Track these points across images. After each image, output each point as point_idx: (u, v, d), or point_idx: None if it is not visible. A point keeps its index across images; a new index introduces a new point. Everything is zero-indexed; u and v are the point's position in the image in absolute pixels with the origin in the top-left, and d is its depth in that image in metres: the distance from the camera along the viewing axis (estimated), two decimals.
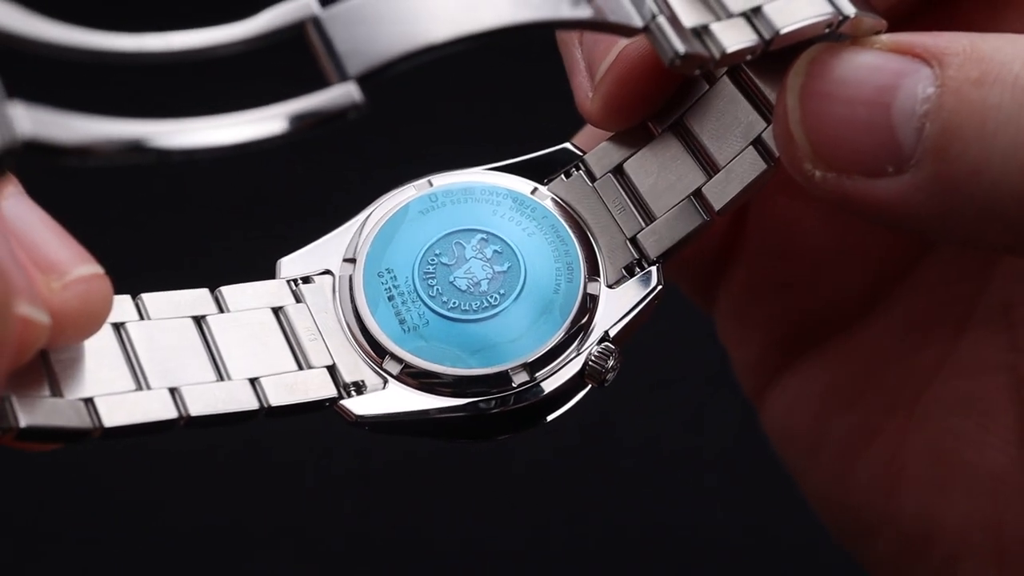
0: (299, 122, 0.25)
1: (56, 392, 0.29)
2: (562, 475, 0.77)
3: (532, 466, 0.77)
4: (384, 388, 0.32)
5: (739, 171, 0.33)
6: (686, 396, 0.78)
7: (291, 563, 0.74)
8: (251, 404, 0.31)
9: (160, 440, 0.31)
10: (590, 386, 0.33)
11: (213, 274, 0.34)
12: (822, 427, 0.38)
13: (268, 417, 0.31)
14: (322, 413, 0.32)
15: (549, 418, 0.33)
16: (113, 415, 0.29)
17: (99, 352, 0.30)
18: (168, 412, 0.30)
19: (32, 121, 0.23)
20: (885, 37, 0.30)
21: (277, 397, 0.31)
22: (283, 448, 0.76)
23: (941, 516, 0.35)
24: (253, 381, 0.31)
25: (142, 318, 0.31)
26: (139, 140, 0.23)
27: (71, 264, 0.28)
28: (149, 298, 0.32)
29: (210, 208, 0.82)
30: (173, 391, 0.30)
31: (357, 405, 0.32)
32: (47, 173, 0.27)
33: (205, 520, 0.75)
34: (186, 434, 0.31)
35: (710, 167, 0.33)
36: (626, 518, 0.75)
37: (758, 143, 0.33)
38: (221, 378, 0.31)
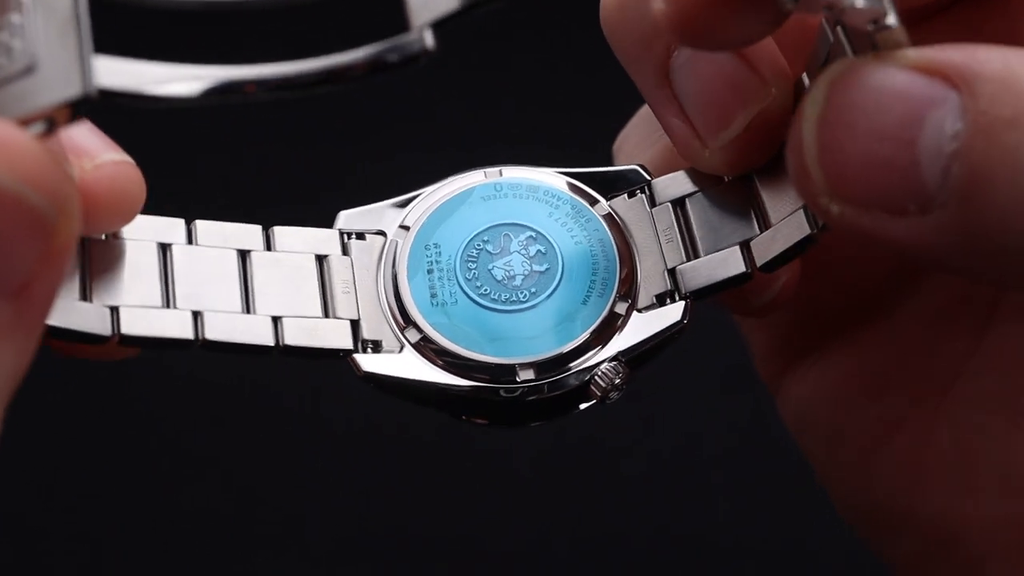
0: (373, 60, 0.26)
1: (85, 297, 0.31)
2: (565, 476, 0.78)
3: (534, 465, 0.77)
4: (399, 353, 0.34)
5: (785, 232, 0.33)
6: (690, 398, 0.78)
7: (290, 563, 0.75)
8: (267, 340, 0.32)
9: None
10: (594, 401, 0.34)
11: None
12: (842, 418, 0.36)
13: (282, 356, 0.32)
14: (333, 368, 0.33)
15: (547, 420, 0.35)
16: (133, 325, 0.31)
17: (138, 268, 0.32)
18: (185, 332, 0.31)
19: (110, 71, 0.24)
20: (912, 52, 0.28)
21: (294, 338, 0.32)
22: (284, 447, 0.78)
23: (967, 515, 0.34)
24: (276, 319, 0.33)
25: (190, 243, 0.33)
26: (223, 81, 0.24)
27: (102, 151, 0.30)
28: (202, 225, 0.33)
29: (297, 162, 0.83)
30: (196, 314, 0.32)
31: (368, 362, 0.33)
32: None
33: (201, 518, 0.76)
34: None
35: (764, 222, 0.34)
36: (629, 520, 0.76)
37: (808, 207, 0.33)
38: (247, 311, 0.32)
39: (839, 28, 0.30)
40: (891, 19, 0.28)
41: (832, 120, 0.28)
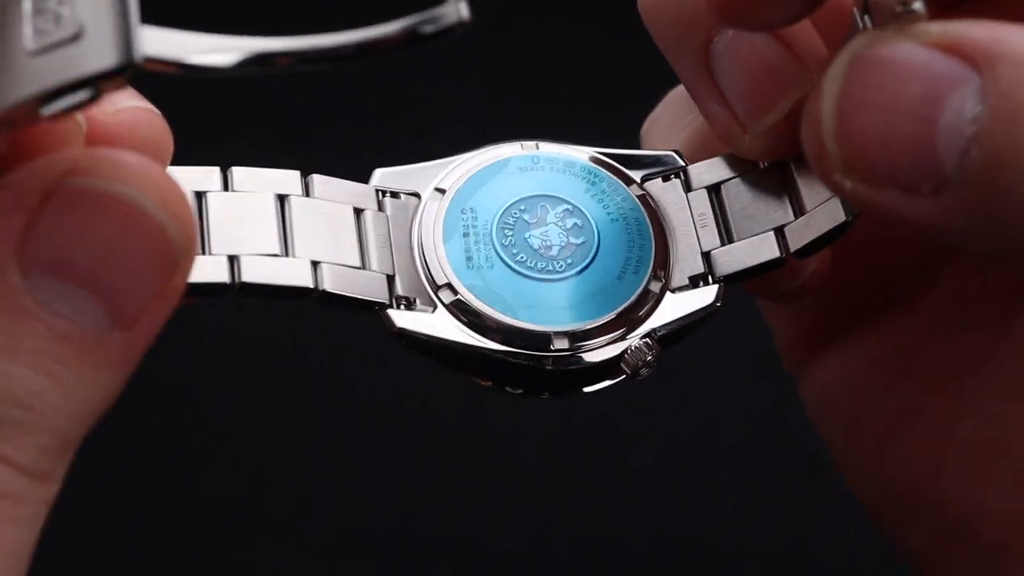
0: (408, 31, 0.26)
1: None
2: (571, 465, 0.77)
3: (541, 451, 0.77)
4: (432, 312, 0.34)
5: (819, 218, 0.34)
6: (711, 384, 0.78)
7: (288, 563, 0.75)
8: (307, 282, 0.32)
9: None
10: (623, 376, 0.34)
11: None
12: (863, 404, 0.36)
13: (319, 303, 0.32)
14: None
15: (586, 390, 0.35)
16: None
17: None
18: (222, 276, 0.31)
19: (155, 41, 0.25)
20: (935, 28, 0.28)
21: (334, 284, 0.32)
22: (283, 445, 0.78)
23: (984, 505, 0.34)
24: (315, 264, 0.32)
25: (226, 189, 0.33)
26: (258, 51, 0.25)
27: (123, 99, 0.29)
28: (238, 171, 0.33)
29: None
30: (232, 259, 0.32)
31: (402, 318, 0.33)
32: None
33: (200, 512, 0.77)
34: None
35: (798, 209, 0.34)
36: (635, 515, 0.76)
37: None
38: (285, 254, 0.32)
39: (865, 16, 0.31)
40: (918, 4, 0.28)
41: (851, 96, 0.28)
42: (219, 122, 0.81)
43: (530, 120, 0.80)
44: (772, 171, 0.35)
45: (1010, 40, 0.27)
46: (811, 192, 0.34)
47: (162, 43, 0.25)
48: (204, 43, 0.25)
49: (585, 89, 0.87)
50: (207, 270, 0.31)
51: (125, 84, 0.25)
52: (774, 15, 0.31)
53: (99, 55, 0.24)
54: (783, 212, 0.35)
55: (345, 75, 0.81)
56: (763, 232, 0.35)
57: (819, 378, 0.37)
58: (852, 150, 0.28)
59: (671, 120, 0.38)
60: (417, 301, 0.34)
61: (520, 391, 0.35)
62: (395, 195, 0.35)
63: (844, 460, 0.37)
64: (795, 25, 0.33)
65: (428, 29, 0.26)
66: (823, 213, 0.34)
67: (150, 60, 0.25)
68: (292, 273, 0.32)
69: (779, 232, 0.34)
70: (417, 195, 0.35)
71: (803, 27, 0.33)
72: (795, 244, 0.34)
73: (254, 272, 0.32)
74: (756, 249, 0.35)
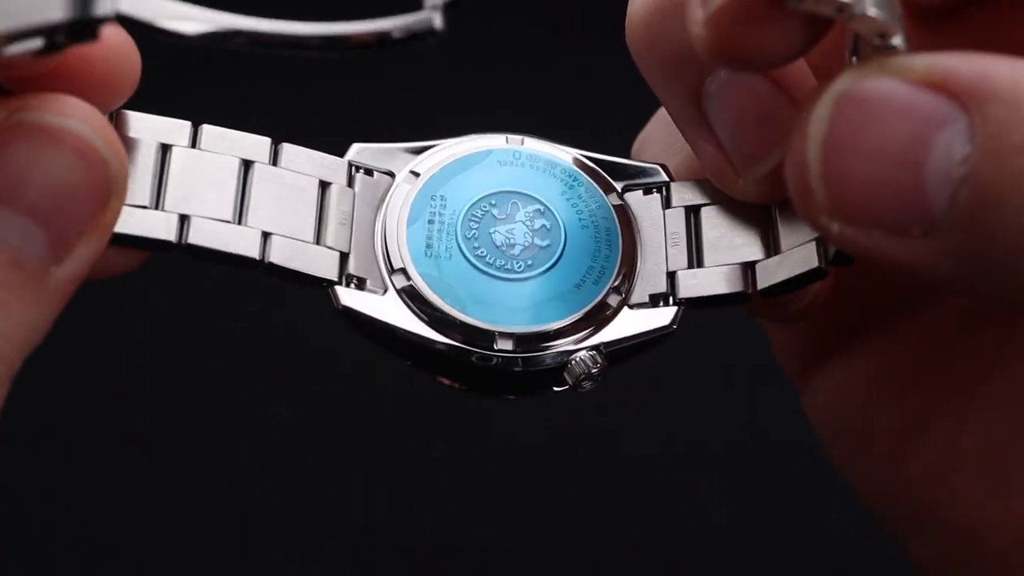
0: (379, 34, 0.26)
1: None
2: (564, 473, 0.77)
3: (534, 460, 0.77)
4: (382, 295, 0.33)
5: (792, 261, 0.33)
6: (694, 393, 0.78)
7: (287, 562, 0.76)
8: (253, 253, 0.32)
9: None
10: (566, 387, 0.34)
11: None
12: (870, 414, 0.35)
13: (265, 274, 0.32)
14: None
15: (516, 396, 0.35)
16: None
17: (134, 166, 0.31)
18: (169, 234, 0.31)
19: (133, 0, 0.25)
20: (919, 63, 0.27)
21: (279, 257, 0.32)
22: (283, 444, 0.78)
23: (994, 515, 0.33)
24: (266, 235, 0.32)
25: (193, 146, 0.32)
26: (223, 28, 0.25)
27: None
28: (209, 130, 0.33)
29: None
30: (183, 218, 0.31)
31: (348, 296, 0.33)
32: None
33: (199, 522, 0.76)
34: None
35: (774, 247, 0.34)
36: (629, 518, 0.76)
37: (821, 243, 0.33)
38: (238, 222, 0.32)
39: (853, 58, 0.30)
40: (897, 40, 0.28)
41: (835, 139, 0.28)
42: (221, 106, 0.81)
43: (528, 117, 0.80)
44: (754, 205, 0.34)
45: (998, 76, 0.26)
46: (789, 232, 0.34)
47: (140, 3, 0.25)
48: (179, 10, 0.26)
49: (581, 89, 0.87)
50: (156, 225, 0.31)
51: (98, 38, 0.25)
52: (767, 57, 0.30)
53: (71, 5, 0.25)
54: (757, 248, 0.34)
55: (347, 70, 0.81)
56: (733, 264, 0.34)
57: (824, 388, 0.36)
58: (838, 193, 0.28)
59: (664, 142, 0.37)
60: (368, 282, 0.33)
61: (465, 388, 0.35)
62: (369, 172, 0.35)
63: (850, 470, 0.36)
64: (789, 66, 0.32)
65: (398, 35, 0.26)
66: (797, 256, 0.33)
67: (124, 17, 0.25)
68: (239, 242, 0.32)
69: (749, 267, 0.34)
70: (392, 174, 0.35)
71: (798, 67, 0.33)
72: (763, 282, 0.34)
73: (201, 235, 0.31)
74: (722, 279, 0.34)
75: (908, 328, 0.35)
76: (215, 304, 0.80)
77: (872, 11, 0.27)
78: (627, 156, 0.37)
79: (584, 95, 0.85)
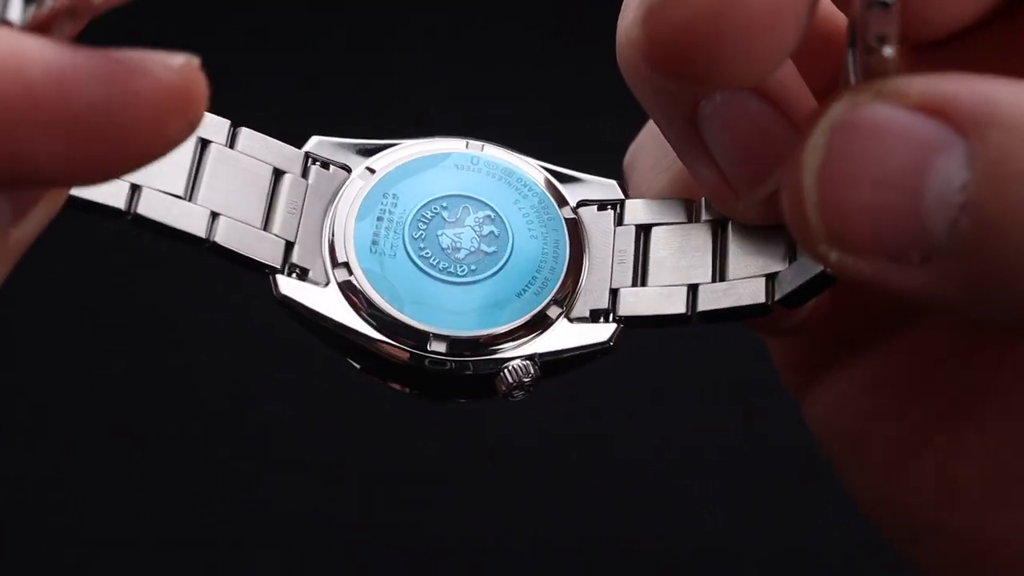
0: None
1: None
2: (558, 475, 0.77)
3: (528, 462, 0.77)
4: (323, 287, 0.34)
5: (737, 293, 0.33)
6: (689, 398, 0.78)
7: (281, 560, 0.76)
8: (199, 231, 0.32)
9: None
10: (498, 394, 0.34)
11: None
12: (870, 427, 0.35)
13: (210, 253, 0.32)
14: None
15: (451, 401, 0.35)
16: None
17: None
18: (118, 202, 0.31)
19: None
20: (916, 87, 0.27)
21: (225, 238, 0.32)
22: (280, 444, 0.78)
23: (998, 531, 0.33)
24: (214, 215, 0.32)
25: None
26: None
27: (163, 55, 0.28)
28: None
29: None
30: (135, 188, 0.32)
31: (288, 285, 0.33)
32: None
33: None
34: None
35: (720, 274, 0.34)
36: (622, 522, 0.76)
37: (770, 280, 0.33)
38: (188, 198, 0.32)
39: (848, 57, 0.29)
40: (888, 51, 0.27)
41: (832, 168, 0.27)
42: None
43: (529, 117, 0.80)
44: (706, 228, 0.34)
45: (997, 101, 0.26)
46: (738, 262, 0.34)
47: None
48: None
49: (581, 89, 0.86)
50: (107, 191, 0.31)
51: None
52: (732, 74, 0.28)
53: None
54: (703, 271, 0.34)
55: (348, 69, 0.81)
56: (676, 285, 0.34)
57: (823, 400, 0.36)
58: (836, 222, 0.27)
59: (655, 158, 0.36)
60: (311, 273, 0.34)
61: (397, 387, 0.35)
62: (325, 165, 0.35)
63: (853, 482, 0.36)
64: (787, 84, 0.32)
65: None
66: (743, 288, 0.33)
67: None
68: (187, 219, 0.32)
69: (692, 289, 0.34)
70: (348, 169, 0.35)
71: (796, 86, 0.32)
72: (704, 306, 0.34)
73: (150, 207, 0.32)
74: (664, 299, 0.34)
75: (906, 345, 0.35)
76: (210, 300, 0.80)
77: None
78: (620, 159, 0.37)
79: (584, 95, 0.84)
